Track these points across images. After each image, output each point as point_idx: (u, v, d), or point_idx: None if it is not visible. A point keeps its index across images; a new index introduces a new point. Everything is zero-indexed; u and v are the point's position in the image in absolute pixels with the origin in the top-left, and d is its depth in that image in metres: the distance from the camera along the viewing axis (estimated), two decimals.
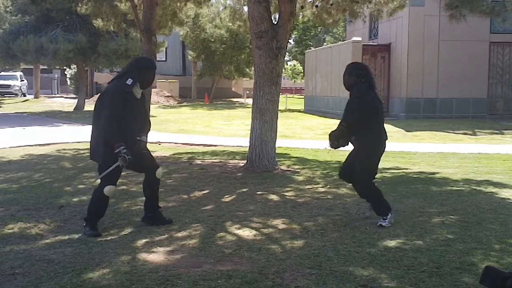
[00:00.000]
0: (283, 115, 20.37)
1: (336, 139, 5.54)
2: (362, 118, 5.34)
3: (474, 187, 7.44)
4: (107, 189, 5.04)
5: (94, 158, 5.18)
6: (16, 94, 38.00)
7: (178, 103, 31.51)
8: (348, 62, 6.24)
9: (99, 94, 5.66)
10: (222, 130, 17.29)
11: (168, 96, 32.48)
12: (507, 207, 6.27)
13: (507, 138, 14.79)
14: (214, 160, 10.05)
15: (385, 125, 5.59)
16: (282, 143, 11.79)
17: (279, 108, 9.15)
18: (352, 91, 5.50)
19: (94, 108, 5.17)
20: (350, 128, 5.42)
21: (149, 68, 5.25)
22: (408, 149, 12.21)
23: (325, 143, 6.10)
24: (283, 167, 8.99)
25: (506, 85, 20.96)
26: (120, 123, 4.96)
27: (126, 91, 5.04)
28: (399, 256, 4.40)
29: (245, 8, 12.53)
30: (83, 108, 26.12)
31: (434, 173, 8.66)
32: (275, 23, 8.59)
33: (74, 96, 35.37)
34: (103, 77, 35.84)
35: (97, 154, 5.07)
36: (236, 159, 10.22)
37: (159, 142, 13.41)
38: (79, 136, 14.97)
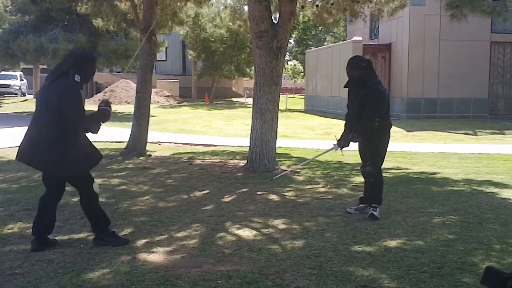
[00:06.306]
0: (284, 115, 20.36)
1: (350, 139, 5.76)
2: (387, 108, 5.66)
3: (475, 187, 7.43)
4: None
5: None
6: (16, 94, 37.93)
7: (178, 103, 31.50)
8: None
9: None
10: (222, 130, 17.27)
11: (168, 96, 32.45)
12: (508, 207, 6.25)
13: (508, 138, 14.77)
14: (214, 160, 10.04)
15: None
16: (282, 143, 11.77)
17: (280, 108, 9.15)
18: (361, 83, 5.61)
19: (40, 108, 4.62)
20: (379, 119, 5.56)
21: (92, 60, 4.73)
22: (409, 149, 12.19)
23: (330, 146, 6.18)
24: (284, 167, 8.97)
25: (507, 85, 20.95)
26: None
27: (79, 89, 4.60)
28: (400, 256, 4.39)
29: (246, 8, 12.52)
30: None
31: (434, 173, 8.65)
32: (276, 22, 8.58)
33: None
34: (103, 77, 35.82)
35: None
36: (236, 159, 10.21)
37: (159, 142, 13.40)
38: None
